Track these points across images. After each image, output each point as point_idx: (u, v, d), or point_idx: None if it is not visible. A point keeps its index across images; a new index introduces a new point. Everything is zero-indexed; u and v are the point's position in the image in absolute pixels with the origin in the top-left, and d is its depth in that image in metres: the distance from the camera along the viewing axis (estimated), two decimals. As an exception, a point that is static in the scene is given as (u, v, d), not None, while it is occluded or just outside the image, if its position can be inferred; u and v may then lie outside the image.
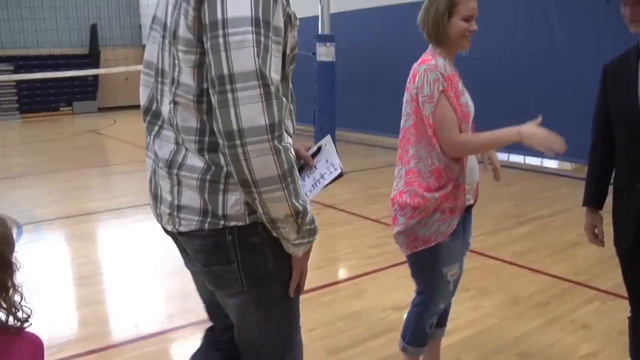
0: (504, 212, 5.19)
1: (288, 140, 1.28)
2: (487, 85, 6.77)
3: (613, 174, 2.02)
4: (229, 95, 1.17)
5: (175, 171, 1.34)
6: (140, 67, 1.49)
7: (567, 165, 7.07)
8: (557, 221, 4.93)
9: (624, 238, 1.94)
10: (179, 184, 1.33)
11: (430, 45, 2.07)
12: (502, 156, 7.10)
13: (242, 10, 1.17)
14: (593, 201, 2.10)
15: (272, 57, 1.21)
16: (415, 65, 2.04)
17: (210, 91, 1.21)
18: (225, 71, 1.17)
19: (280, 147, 1.20)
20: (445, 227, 2.06)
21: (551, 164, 7.32)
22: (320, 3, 7.36)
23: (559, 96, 6.66)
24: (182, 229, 1.35)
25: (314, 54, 7.18)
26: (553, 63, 6.91)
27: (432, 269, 2.14)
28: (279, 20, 1.24)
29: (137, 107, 1.51)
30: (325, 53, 7.18)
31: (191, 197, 1.32)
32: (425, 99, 1.97)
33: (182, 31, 1.25)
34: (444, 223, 2.06)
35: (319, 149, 1.56)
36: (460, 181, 2.04)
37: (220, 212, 1.31)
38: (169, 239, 1.50)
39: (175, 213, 1.35)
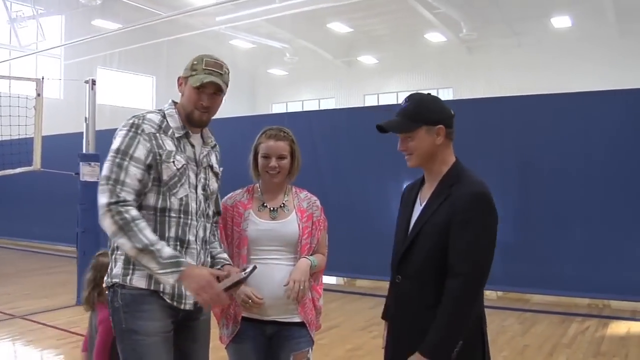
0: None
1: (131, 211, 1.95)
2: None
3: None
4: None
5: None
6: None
7: (340, 280, 7.18)
8: (326, 339, 4.78)
9: None
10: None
11: None
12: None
13: (114, 145, 2.02)
14: None
15: (125, 171, 1.97)
16: None
17: None
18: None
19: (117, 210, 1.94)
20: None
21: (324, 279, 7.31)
22: (85, 121, 6.95)
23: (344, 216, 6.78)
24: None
25: (77, 173, 6.65)
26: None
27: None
28: (139, 153, 2.00)
29: None
30: (89, 173, 6.65)
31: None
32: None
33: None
34: None
35: (247, 271, 2.06)
36: None
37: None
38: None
39: None
